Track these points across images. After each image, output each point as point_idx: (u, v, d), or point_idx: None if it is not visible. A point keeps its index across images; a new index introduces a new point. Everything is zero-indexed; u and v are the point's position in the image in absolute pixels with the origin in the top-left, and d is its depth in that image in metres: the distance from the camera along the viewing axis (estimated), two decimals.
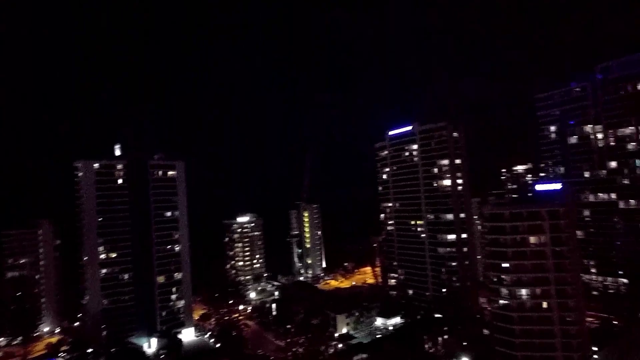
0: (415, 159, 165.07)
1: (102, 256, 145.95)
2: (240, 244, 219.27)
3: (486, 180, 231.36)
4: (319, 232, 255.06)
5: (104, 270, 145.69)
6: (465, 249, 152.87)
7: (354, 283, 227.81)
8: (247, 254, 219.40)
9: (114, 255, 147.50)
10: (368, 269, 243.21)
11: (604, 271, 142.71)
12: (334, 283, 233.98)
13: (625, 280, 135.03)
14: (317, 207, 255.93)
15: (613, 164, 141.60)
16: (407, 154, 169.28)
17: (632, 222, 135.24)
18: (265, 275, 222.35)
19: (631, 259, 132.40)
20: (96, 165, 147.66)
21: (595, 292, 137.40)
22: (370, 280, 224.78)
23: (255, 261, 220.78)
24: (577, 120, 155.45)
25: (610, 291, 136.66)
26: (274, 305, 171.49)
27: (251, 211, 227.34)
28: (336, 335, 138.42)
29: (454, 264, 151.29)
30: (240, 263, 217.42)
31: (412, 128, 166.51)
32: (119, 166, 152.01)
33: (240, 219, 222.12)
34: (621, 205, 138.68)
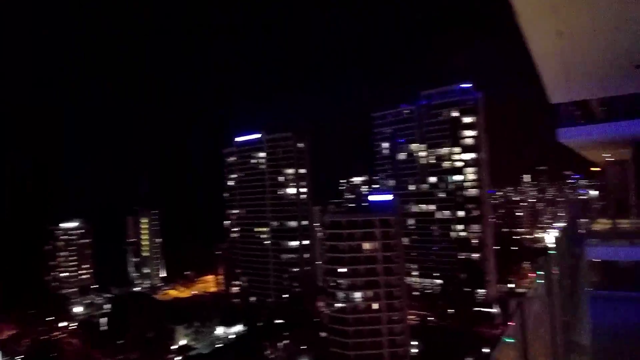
0: (262, 166, 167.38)
1: None
2: (65, 253, 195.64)
3: (326, 190, 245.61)
4: (159, 240, 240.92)
5: None
6: (306, 255, 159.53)
7: (195, 292, 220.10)
8: (73, 263, 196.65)
9: None
10: (211, 277, 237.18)
11: (423, 274, 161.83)
12: (173, 293, 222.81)
13: (439, 282, 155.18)
14: (157, 213, 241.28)
15: (432, 179, 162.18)
16: (254, 161, 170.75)
17: (446, 231, 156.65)
18: (94, 286, 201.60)
19: (444, 263, 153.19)
20: None
21: (415, 293, 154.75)
22: (213, 289, 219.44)
23: (82, 271, 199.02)
24: (405, 139, 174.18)
25: (428, 292, 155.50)
26: (104, 320, 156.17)
27: (81, 216, 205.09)
28: (175, 347, 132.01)
29: (295, 269, 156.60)
30: (65, 274, 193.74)
31: (260, 136, 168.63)
32: None
33: (65, 225, 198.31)
34: (437, 215, 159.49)
